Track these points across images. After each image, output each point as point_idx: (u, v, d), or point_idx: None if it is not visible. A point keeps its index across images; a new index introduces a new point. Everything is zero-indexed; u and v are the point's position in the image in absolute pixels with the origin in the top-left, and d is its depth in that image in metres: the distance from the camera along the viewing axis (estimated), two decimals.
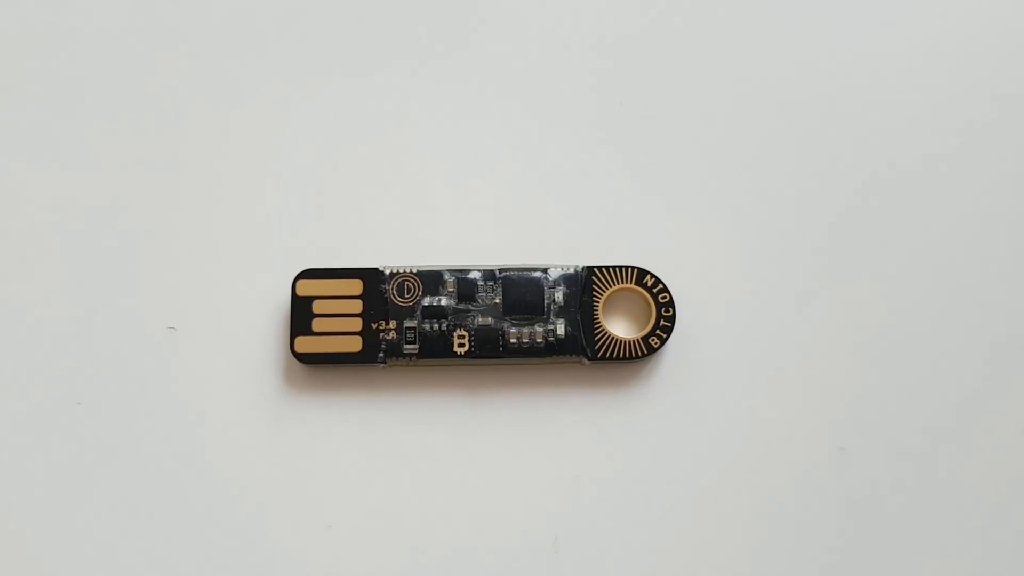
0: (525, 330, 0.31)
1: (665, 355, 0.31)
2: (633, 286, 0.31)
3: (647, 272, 0.31)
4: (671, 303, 0.31)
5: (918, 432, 0.31)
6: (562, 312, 0.31)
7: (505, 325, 0.31)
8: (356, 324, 0.30)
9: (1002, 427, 0.31)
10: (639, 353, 0.31)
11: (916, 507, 0.31)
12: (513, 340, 0.30)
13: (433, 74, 0.34)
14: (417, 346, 0.30)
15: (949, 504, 0.31)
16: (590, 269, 0.31)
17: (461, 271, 0.31)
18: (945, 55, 0.34)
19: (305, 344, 0.30)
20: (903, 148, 0.33)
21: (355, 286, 0.31)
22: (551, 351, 0.30)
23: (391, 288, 0.31)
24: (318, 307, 0.31)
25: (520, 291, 0.31)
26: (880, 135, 0.33)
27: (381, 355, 0.30)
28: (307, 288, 0.31)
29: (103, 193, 0.32)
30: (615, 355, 0.31)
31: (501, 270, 0.31)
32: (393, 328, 0.30)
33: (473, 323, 0.31)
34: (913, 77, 0.34)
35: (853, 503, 0.31)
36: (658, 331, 0.31)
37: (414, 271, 0.31)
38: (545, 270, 0.31)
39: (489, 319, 0.31)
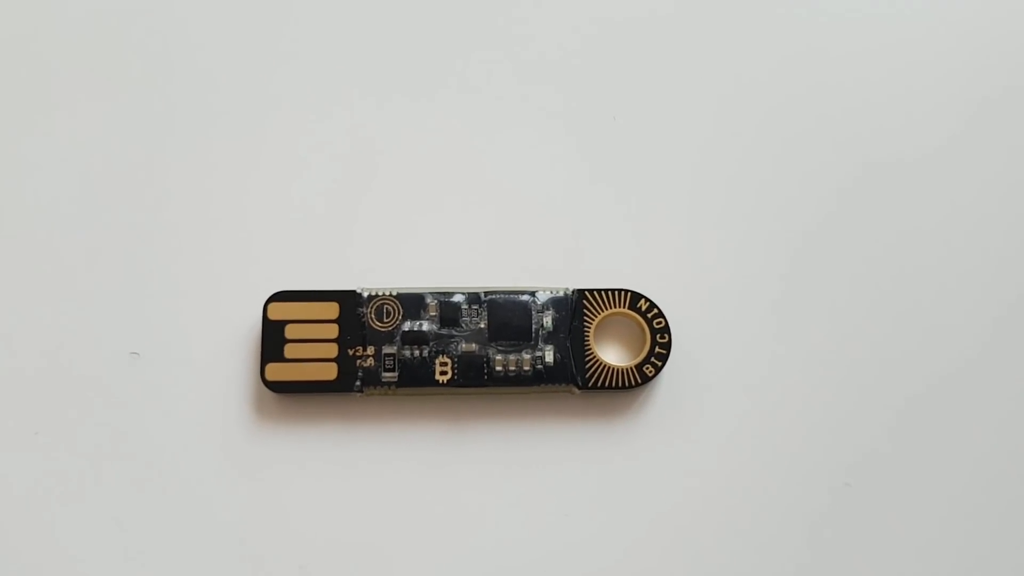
0: (512, 357, 0.30)
1: (660, 384, 0.31)
2: (626, 311, 0.30)
3: (641, 296, 0.30)
4: (667, 329, 0.30)
5: (930, 467, 0.30)
6: (551, 338, 0.30)
7: (490, 352, 0.30)
8: (331, 350, 0.30)
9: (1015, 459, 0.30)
10: (633, 382, 0.30)
11: (926, 545, 0.30)
12: (499, 368, 0.30)
13: (415, 89, 0.33)
14: (396, 374, 0.30)
15: (958, 540, 0.30)
16: (581, 292, 0.30)
17: (444, 294, 0.30)
18: (938, 57, 0.34)
19: (277, 371, 0.29)
20: (906, 165, 0.33)
21: (331, 309, 0.30)
22: (539, 379, 0.30)
23: (369, 312, 0.30)
24: (291, 332, 0.30)
25: (507, 315, 0.30)
26: (885, 149, 0.33)
27: (358, 383, 0.30)
28: (279, 311, 0.30)
29: (63, 211, 0.31)
30: (607, 384, 0.30)
31: (487, 293, 0.30)
32: (371, 354, 0.30)
33: (456, 349, 0.30)
34: (918, 106, 0.34)
35: (860, 544, 0.30)
36: (653, 359, 0.30)
37: (394, 294, 0.30)
38: (533, 293, 0.30)
39: (473, 345, 0.30)
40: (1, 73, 0.32)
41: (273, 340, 0.29)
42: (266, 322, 0.30)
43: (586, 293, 0.30)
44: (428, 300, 0.30)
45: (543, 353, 0.30)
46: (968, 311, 0.31)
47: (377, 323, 0.30)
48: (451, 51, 0.33)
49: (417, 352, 0.30)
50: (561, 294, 0.30)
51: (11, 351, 0.30)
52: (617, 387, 0.30)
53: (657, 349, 0.30)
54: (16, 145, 0.32)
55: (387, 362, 0.29)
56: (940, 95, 0.33)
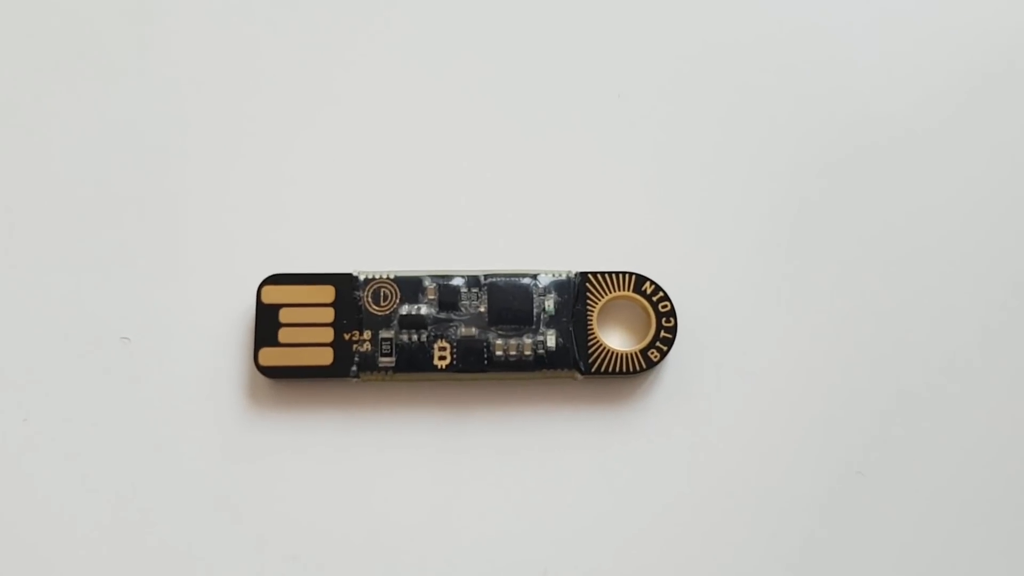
0: (512, 342, 0.29)
1: (665, 370, 0.30)
2: (631, 294, 0.30)
3: (646, 279, 0.30)
4: (672, 313, 0.30)
5: (943, 453, 0.30)
6: (553, 322, 0.29)
7: (490, 336, 0.29)
8: (327, 335, 0.29)
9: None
10: (637, 367, 0.29)
11: (941, 535, 0.29)
12: (499, 353, 0.29)
13: (413, 65, 0.32)
14: (394, 359, 0.29)
15: (974, 530, 0.29)
16: (584, 275, 0.30)
17: (443, 277, 0.30)
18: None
19: (271, 357, 0.29)
20: (911, 141, 0.32)
21: (326, 293, 0.29)
22: (541, 365, 0.29)
23: (366, 295, 0.29)
24: (285, 316, 0.29)
25: (507, 299, 0.29)
26: (896, 138, 0.32)
27: (354, 369, 0.29)
28: (273, 295, 0.29)
29: (50, 194, 0.31)
30: (611, 369, 0.29)
31: (486, 276, 0.30)
32: (367, 339, 0.29)
33: (455, 334, 0.29)
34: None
35: (874, 534, 0.29)
36: (658, 343, 0.29)
37: (391, 277, 0.30)
38: (534, 276, 0.30)
39: (473, 329, 0.29)
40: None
41: (267, 324, 0.29)
42: (260, 306, 0.29)
43: (589, 276, 0.30)
44: (426, 283, 0.29)
45: (545, 338, 0.29)
46: (980, 290, 0.31)
47: (374, 307, 0.29)
48: (450, 31, 0.33)
49: (415, 336, 0.29)
50: (563, 277, 0.30)
51: (0, 337, 0.30)
52: (621, 372, 0.29)
53: (662, 333, 0.29)
54: (8, 127, 0.31)
55: (384, 347, 0.29)
56: (946, 72, 0.33)
